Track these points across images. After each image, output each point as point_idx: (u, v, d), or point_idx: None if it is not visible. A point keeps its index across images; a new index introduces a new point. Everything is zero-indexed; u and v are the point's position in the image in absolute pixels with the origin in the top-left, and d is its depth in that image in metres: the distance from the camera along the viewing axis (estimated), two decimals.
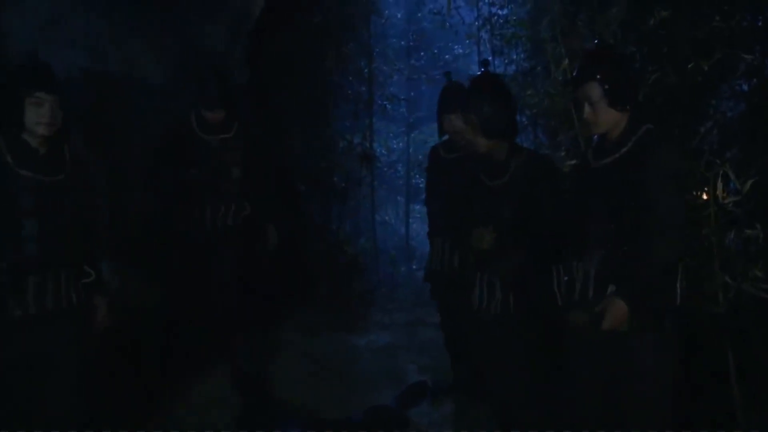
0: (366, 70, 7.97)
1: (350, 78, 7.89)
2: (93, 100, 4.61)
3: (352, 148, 7.72)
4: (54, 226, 2.89)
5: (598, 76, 2.71)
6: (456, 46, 8.08)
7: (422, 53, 8.70)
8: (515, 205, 3.10)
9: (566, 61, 3.77)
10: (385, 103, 8.73)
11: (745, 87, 4.16)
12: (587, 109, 2.75)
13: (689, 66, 3.49)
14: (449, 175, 4.14)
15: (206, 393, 4.18)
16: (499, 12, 7.61)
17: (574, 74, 2.87)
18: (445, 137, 4.34)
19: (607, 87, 2.70)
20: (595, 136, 2.93)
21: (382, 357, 5.41)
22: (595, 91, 2.72)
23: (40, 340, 2.84)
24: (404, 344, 5.73)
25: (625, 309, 2.56)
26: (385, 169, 10.47)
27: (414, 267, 9.29)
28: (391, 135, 9.98)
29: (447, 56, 8.11)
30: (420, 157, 11.66)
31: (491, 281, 3.16)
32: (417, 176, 12.08)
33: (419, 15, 8.51)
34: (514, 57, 7.76)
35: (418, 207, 13.08)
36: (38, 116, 2.87)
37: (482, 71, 3.40)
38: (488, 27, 7.68)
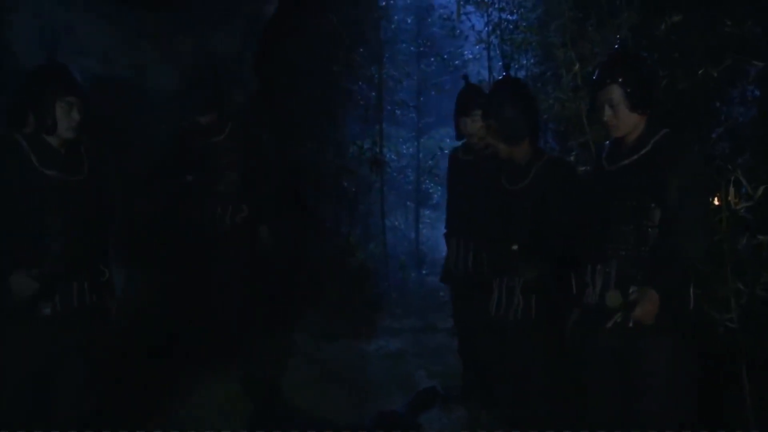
0: (376, 76, 7.98)
1: (360, 83, 7.91)
2: (105, 106, 4.64)
3: (362, 154, 7.73)
4: (77, 224, 2.95)
5: (620, 80, 2.72)
6: (466, 52, 8.07)
7: (432, 59, 8.69)
8: (536, 209, 3.10)
9: (577, 66, 3.77)
10: (394, 108, 8.74)
11: (757, 93, 4.16)
12: (608, 111, 2.75)
13: (700, 72, 3.48)
14: (467, 177, 4.16)
15: (217, 397, 4.18)
16: (509, 17, 7.61)
17: (595, 77, 2.87)
18: (464, 140, 4.34)
19: (629, 90, 2.71)
20: (607, 142, 2.93)
21: (392, 362, 5.41)
22: (616, 94, 2.73)
23: (64, 338, 2.90)
24: (414, 350, 5.73)
25: (657, 301, 2.55)
26: (395, 174, 10.48)
27: (424, 272, 9.28)
28: (401, 140, 9.98)
29: (457, 62, 8.10)
30: (429, 162, 11.67)
31: (510, 286, 3.16)
32: (427, 181, 12.10)
33: (429, 20, 8.51)
34: (524, 62, 7.76)
35: (427, 212, 13.08)
36: (69, 119, 2.93)
37: (504, 75, 3.41)
38: (498, 32, 7.68)
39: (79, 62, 4.57)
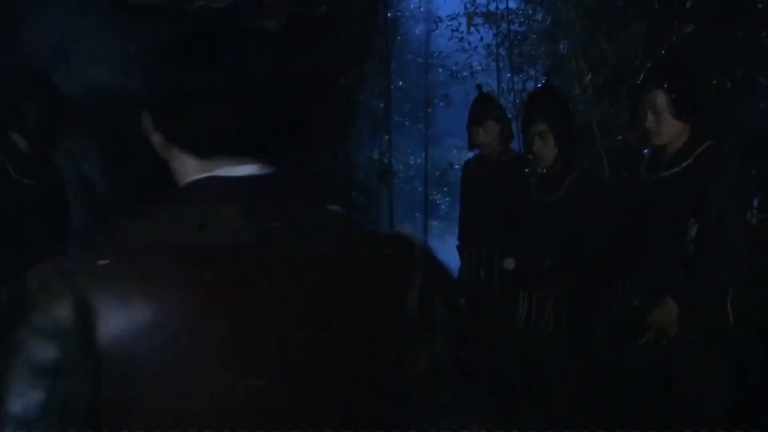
0: (384, 87, 7.97)
1: (369, 94, 7.89)
2: (116, 115, 4.64)
3: (371, 164, 7.71)
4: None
5: (665, 85, 2.63)
6: (474, 63, 8.06)
7: (440, 69, 8.69)
8: (569, 222, 3.04)
9: (588, 77, 3.74)
10: (402, 119, 8.73)
11: None
12: (650, 118, 2.65)
13: (713, 82, 3.45)
14: (480, 189, 4.13)
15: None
16: (518, 29, 7.61)
17: (638, 81, 2.78)
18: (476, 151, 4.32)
19: (674, 96, 2.61)
20: (646, 150, 2.87)
21: None
22: (660, 100, 2.63)
23: None
24: None
25: (674, 309, 2.51)
26: (403, 185, 10.46)
27: None
28: (409, 151, 9.97)
29: (465, 73, 8.08)
30: (437, 173, 11.64)
31: (541, 300, 3.10)
32: (434, 192, 12.07)
33: (437, 31, 8.51)
34: (533, 73, 7.75)
35: (435, 223, 13.04)
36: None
37: (543, 83, 3.37)
38: (507, 44, 7.67)
39: (91, 72, 4.60)
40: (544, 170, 3.17)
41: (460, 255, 4.34)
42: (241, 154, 0.78)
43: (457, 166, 5.05)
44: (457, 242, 4.48)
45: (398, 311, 0.80)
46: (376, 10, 7.63)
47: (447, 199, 15.17)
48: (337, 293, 0.77)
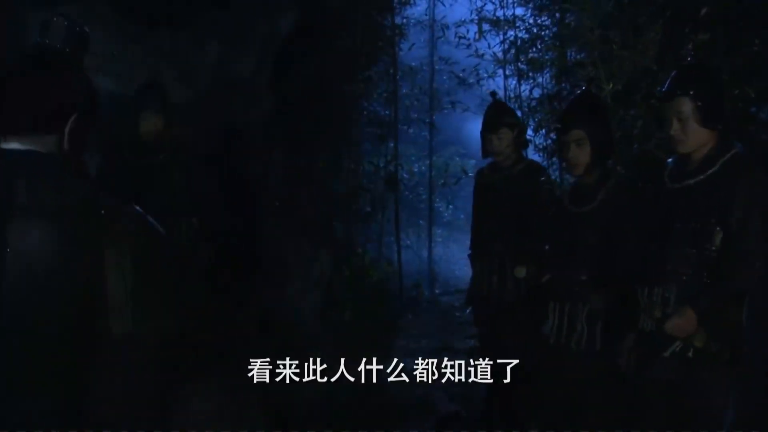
0: (390, 94, 7.95)
1: (375, 101, 7.88)
2: (119, 123, 4.60)
3: (377, 172, 7.69)
4: None
5: (691, 92, 2.57)
6: (481, 70, 8.03)
7: (445, 77, 8.66)
8: (602, 233, 2.97)
9: (611, 85, 3.68)
10: (407, 126, 8.71)
11: None
12: (676, 126, 2.60)
13: (737, 92, 3.39)
14: (494, 198, 4.07)
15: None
16: (525, 36, 7.60)
17: (664, 89, 2.72)
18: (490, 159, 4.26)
19: (699, 104, 2.56)
20: (670, 159, 2.82)
21: (410, 385, 5.29)
22: (686, 107, 2.57)
23: None
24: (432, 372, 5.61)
25: (692, 318, 2.45)
26: (407, 192, 10.42)
27: (437, 291, 9.19)
28: (413, 159, 9.94)
29: (471, 80, 8.06)
30: (441, 181, 11.62)
31: (573, 313, 3.02)
32: (437, 200, 12.03)
33: (443, 38, 8.48)
34: (540, 81, 7.73)
35: (439, 231, 13.01)
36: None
37: (583, 89, 3.29)
38: (514, 50, 7.66)
39: (97, 81, 4.55)
40: (578, 179, 3.09)
41: (472, 263, 4.26)
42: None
43: (470, 174, 4.98)
44: (468, 251, 4.41)
45: None
46: (382, 17, 7.62)
47: (450, 206, 15.16)
48: None
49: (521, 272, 3.78)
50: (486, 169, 4.30)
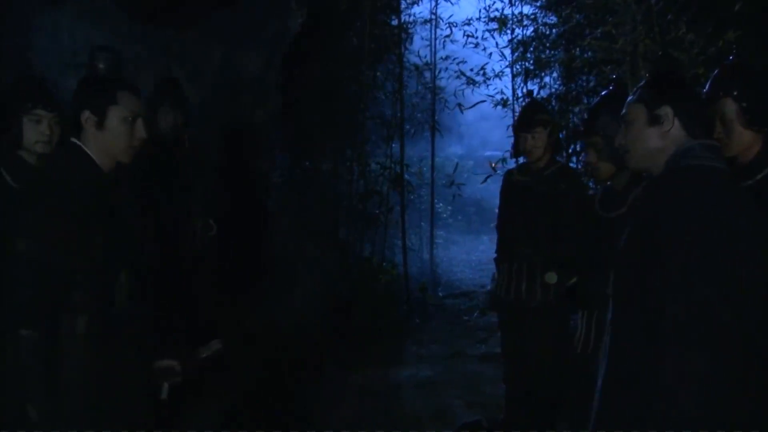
0: (396, 93, 7.83)
1: (381, 102, 7.77)
2: None
3: (383, 173, 7.57)
4: None
5: (735, 93, 2.45)
6: (488, 69, 7.93)
7: (451, 76, 8.52)
8: None
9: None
10: (411, 127, 8.59)
11: None
12: (719, 128, 2.46)
13: None
14: (523, 200, 3.94)
15: None
16: (533, 35, 7.50)
17: (705, 90, 2.59)
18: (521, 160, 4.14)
19: (744, 105, 2.44)
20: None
21: (425, 392, 5.18)
22: (729, 109, 2.45)
23: None
24: (446, 378, 5.49)
25: None
26: (409, 194, 10.26)
27: (440, 294, 9.06)
28: (416, 159, 9.77)
29: (479, 78, 7.95)
30: (442, 182, 11.48)
31: (602, 320, 2.90)
32: (437, 202, 11.87)
33: (450, 37, 8.37)
34: (547, 81, 7.64)
35: (441, 233, 12.85)
36: (37, 134, 2.83)
37: (612, 88, 3.15)
38: (521, 50, 7.57)
39: None
40: (610, 183, 2.97)
41: (498, 267, 4.14)
42: None
43: (499, 172, 4.86)
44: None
45: None
46: (388, 15, 7.52)
47: (449, 207, 15.04)
48: None
49: (552, 278, 3.67)
50: (516, 170, 4.19)
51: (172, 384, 2.62)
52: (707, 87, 2.61)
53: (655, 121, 2.06)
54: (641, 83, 2.23)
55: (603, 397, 2.10)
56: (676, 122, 2.04)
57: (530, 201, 3.84)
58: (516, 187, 4.05)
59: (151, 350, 2.56)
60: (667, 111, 2.04)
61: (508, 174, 4.21)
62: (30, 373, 2.12)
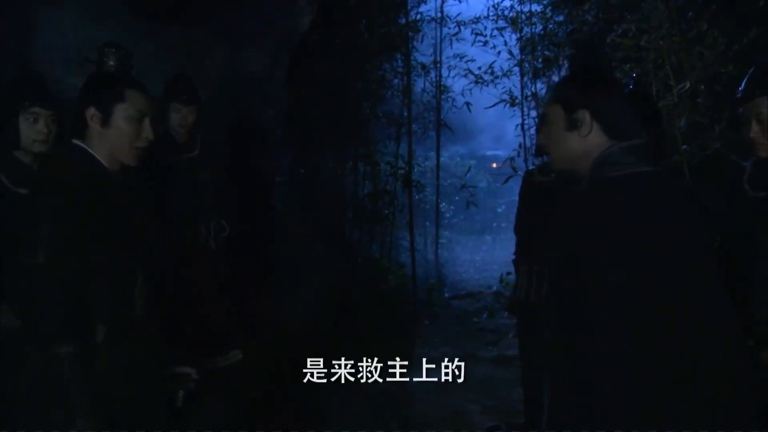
0: (404, 92, 7.75)
1: (388, 100, 7.69)
2: None
3: (393, 173, 7.48)
4: None
5: None
6: (496, 68, 7.85)
7: (459, 74, 8.43)
8: None
9: (688, 84, 3.46)
10: (418, 126, 8.51)
11: None
12: (755, 128, 2.40)
13: None
14: (544, 201, 3.84)
15: None
16: (541, 33, 7.42)
17: (740, 88, 2.51)
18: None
19: None
20: (745, 163, 2.60)
21: (439, 396, 5.08)
22: (766, 108, 2.38)
23: None
24: (459, 382, 5.39)
25: None
26: (415, 193, 10.18)
27: (446, 295, 8.98)
28: (421, 158, 9.70)
29: (487, 77, 7.86)
30: (447, 182, 11.41)
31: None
32: (442, 201, 11.80)
33: (457, 36, 8.29)
34: (556, 79, 7.54)
35: (447, 233, 12.79)
36: (34, 132, 2.77)
37: (630, 88, 3.06)
38: (530, 48, 7.48)
39: None
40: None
41: (517, 269, 4.05)
42: None
43: (520, 173, 4.77)
44: (513, 256, 4.20)
45: None
46: (396, 14, 7.44)
47: (451, 207, 14.98)
48: None
49: None
50: (536, 169, 4.09)
51: (188, 391, 2.54)
52: (743, 85, 2.52)
53: (572, 126, 1.90)
54: (560, 81, 2.14)
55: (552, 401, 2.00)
56: (595, 126, 1.88)
57: (552, 202, 3.75)
58: (537, 187, 3.96)
59: (166, 356, 2.48)
60: (584, 115, 1.88)
61: (528, 175, 4.12)
62: (74, 386, 2.03)
